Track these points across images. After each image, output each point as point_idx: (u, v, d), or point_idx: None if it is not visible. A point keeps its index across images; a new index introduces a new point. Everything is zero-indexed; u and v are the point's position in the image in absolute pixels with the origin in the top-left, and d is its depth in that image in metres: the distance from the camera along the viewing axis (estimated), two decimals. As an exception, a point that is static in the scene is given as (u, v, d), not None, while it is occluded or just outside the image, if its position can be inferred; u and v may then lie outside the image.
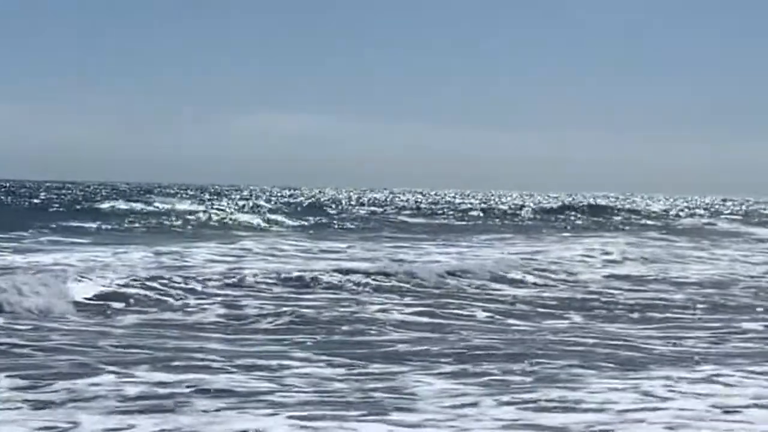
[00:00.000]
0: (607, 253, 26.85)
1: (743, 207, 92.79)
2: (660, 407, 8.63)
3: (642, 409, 8.52)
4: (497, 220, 56.51)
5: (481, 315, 15.25)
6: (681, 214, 71.36)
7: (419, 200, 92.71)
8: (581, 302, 17.15)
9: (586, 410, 8.51)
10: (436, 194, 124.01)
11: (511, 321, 14.70)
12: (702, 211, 77.43)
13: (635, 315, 15.55)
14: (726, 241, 37.26)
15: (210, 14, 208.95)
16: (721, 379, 9.98)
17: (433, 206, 74.84)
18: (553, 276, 20.68)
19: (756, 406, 8.75)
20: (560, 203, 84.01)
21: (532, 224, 51.86)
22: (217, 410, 8.29)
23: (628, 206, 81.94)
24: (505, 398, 8.91)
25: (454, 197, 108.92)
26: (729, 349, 12.18)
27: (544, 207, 74.96)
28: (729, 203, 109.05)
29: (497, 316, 15.14)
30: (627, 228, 49.16)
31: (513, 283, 19.33)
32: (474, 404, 8.71)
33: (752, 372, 10.38)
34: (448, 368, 10.49)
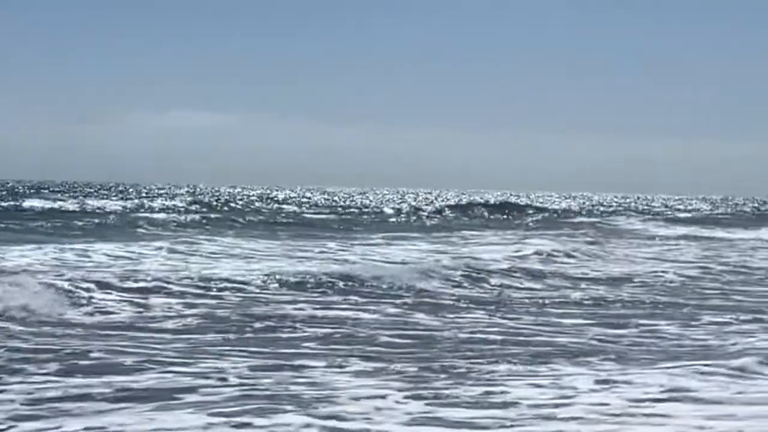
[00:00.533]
0: (517, 251, 27.13)
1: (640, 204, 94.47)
2: (571, 402, 8.74)
3: (553, 405, 8.63)
4: (406, 217, 56.72)
5: (392, 311, 15.30)
6: (584, 212, 72.46)
7: (327, 198, 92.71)
8: (487, 298, 17.33)
9: (495, 405, 8.61)
10: (343, 192, 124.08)
11: (420, 316, 14.76)
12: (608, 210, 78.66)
13: (541, 310, 15.75)
14: (632, 239, 37.92)
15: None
16: (629, 373, 10.13)
17: (335, 203, 74.83)
18: (459, 272, 20.79)
19: (669, 399, 8.89)
20: (464, 201, 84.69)
21: (437, 223, 52.19)
22: (137, 412, 8.21)
23: (537, 204, 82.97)
24: (416, 393, 8.99)
25: (365, 195, 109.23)
26: (636, 344, 12.39)
27: (449, 204, 75.41)
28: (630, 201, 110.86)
29: (407, 312, 15.21)
30: (535, 225, 49.76)
31: (422, 279, 19.39)
32: (386, 398, 8.78)
33: (660, 366, 10.59)
34: (361, 364, 10.55)
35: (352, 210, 66.02)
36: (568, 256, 26.39)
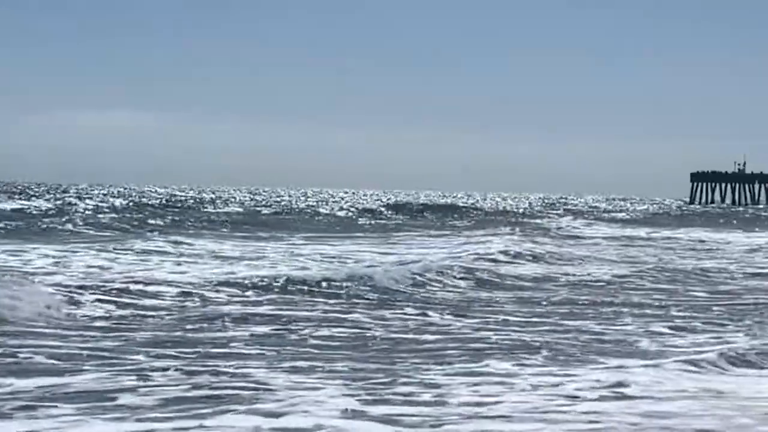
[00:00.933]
0: (453, 251, 27.31)
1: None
2: (500, 401, 8.85)
3: (481, 403, 8.74)
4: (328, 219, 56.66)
5: (328, 309, 15.36)
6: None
7: (253, 198, 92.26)
8: (423, 297, 17.48)
9: (425, 403, 8.72)
10: (264, 192, 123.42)
11: (356, 315, 14.84)
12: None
13: (476, 309, 15.89)
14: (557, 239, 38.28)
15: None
16: (561, 372, 10.29)
17: (261, 203, 74.52)
18: (396, 272, 20.81)
19: (601, 398, 9.05)
20: (402, 201, 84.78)
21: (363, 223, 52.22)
22: (66, 414, 8.12)
23: (476, 205, 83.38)
24: (350, 391, 9.08)
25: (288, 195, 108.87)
26: (566, 343, 12.55)
27: (385, 204, 75.39)
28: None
29: (344, 311, 15.27)
30: (472, 225, 49.97)
31: (358, 278, 19.38)
32: (320, 395, 8.84)
33: (592, 364, 10.78)
34: (297, 362, 10.60)
35: (290, 210, 65.86)
36: (506, 254, 26.57)
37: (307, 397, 8.74)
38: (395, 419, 8.12)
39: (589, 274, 22.55)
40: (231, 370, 10.11)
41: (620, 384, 9.53)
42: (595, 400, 8.96)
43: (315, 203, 79.70)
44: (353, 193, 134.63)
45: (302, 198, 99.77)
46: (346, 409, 8.31)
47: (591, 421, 8.16)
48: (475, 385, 9.50)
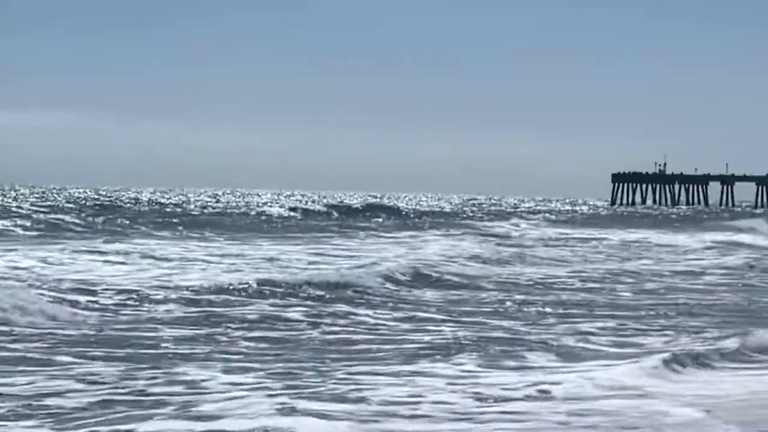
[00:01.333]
0: (381, 252, 27.40)
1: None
2: (421, 400, 8.99)
3: (404, 402, 8.89)
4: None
5: (263, 309, 15.40)
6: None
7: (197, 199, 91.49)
8: (354, 297, 17.53)
9: (353, 400, 8.88)
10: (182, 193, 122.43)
11: (292, 315, 14.94)
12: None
13: (409, 310, 16.04)
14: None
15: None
16: (487, 372, 10.47)
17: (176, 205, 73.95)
18: (327, 275, 20.85)
19: (525, 398, 9.22)
20: (330, 202, 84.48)
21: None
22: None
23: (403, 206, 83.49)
24: (283, 390, 9.21)
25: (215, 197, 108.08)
26: (496, 342, 12.73)
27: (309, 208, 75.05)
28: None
29: (277, 311, 15.34)
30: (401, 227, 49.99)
31: (288, 281, 19.38)
32: (253, 394, 8.97)
33: (518, 365, 10.97)
34: (231, 363, 10.71)
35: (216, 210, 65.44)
36: (441, 255, 26.61)
37: (241, 399, 8.82)
38: (323, 414, 8.24)
39: (519, 275, 22.77)
40: (163, 371, 10.13)
41: (546, 384, 9.69)
42: (520, 399, 9.12)
43: (246, 204, 79.09)
44: (284, 194, 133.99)
45: (241, 200, 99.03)
46: (281, 409, 8.40)
47: (516, 421, 8.33)
48: (402, 384, 9.63)
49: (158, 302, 15.91)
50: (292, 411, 8.30)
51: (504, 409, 8.71)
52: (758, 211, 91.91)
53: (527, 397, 9.19)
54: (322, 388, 9.35)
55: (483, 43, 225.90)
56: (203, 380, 9.69)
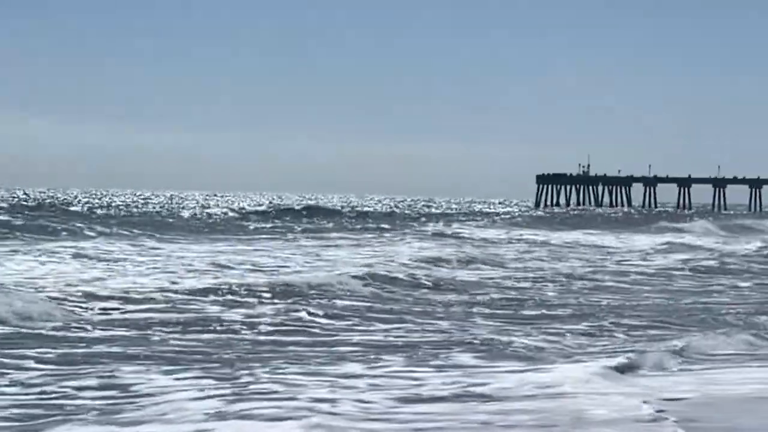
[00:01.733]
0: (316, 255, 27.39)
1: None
2: (342, 399, 9.08)
3: (330, 400, 8.99)
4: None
5: (195, 313, 15.33)
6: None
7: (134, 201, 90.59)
8: (288, 298, 17.49)
9: (279, 399, 8.95)
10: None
11: (228, 316, 14.97)
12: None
13: (344, 311, 16.13)
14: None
15: None
16: (412, 369, 10.62)
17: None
18: (254, 276, 20.86)
19: (451, 397, 9.32)
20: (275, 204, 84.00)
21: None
22: None
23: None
24: (213, 391, 9.26)
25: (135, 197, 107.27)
26: (424, 342, 12.87)
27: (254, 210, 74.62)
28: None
29: (211, 315, 15.30)
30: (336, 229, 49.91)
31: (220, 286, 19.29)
32: (180, 397, 9.00)
33: (443, 361, 11.14)
34: (161, 365, 10.68)
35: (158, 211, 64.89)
36: (375, 257, 26.73)
37: (170, 402, 8.83)
38: (251, 414, 8.30)
39: (453, 277, 22.80)
40: (91, 374, 10.06)
41: (471, 384, 9.82)
42: (443, 400, 9.21)
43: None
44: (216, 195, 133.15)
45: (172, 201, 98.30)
46: (210, 413, 8.43)
47: (434, 421, 8.40)
48: (328, 385, 9.70)
49: (89, 303, 15.78)
50: (219, 415, 8.32)
51: (424, 410, 8.75)
52: (687, 212, 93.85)
53: (451, 398, 9.27)
54: (251, 389, 9.37)
55: (404, 44, 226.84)
56: (131, 384, 9.67)
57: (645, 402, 9.11)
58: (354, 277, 20.92)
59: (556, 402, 9.13)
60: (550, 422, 8.36)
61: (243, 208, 72.96)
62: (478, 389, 9.60)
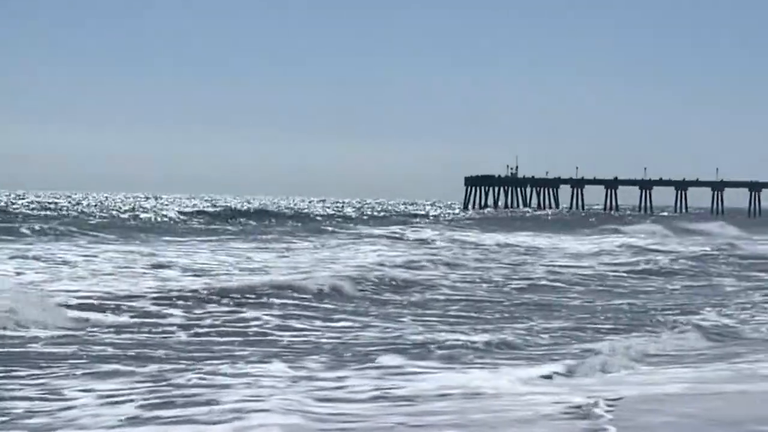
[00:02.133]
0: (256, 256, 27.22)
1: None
2: (266, 398, 9.12)
3: (255, 397, 9.06)
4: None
5: (130, 314, 15.26)
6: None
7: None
8: (231, 300, 17.51)
9: (201, 404, 8.94)
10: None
11: (164, 319, 14.91)
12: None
13: (283, 310, 16.11)
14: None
15: None
16: (333, 371, 10.73)
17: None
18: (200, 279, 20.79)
19: (370, 399, 9.39)
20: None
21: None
22: None
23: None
24: (136, 396, 9.24)
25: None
26: (353, 343, 12.99)
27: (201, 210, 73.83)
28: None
29: (154, 313, 15.35)
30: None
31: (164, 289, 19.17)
32: (102, 402, 8.97)
33: (365, 362, 11.22)
34: (93, 368, 10.68)
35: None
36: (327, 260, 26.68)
37: (90, 407, 8.78)
38: (182, 420, 8.30)
39: (394, 277, 22.86)
40: (15, 377, 9.97)
41: (390, 386, 9.90)
42: (364, 401, 9.29)
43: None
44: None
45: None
46: (130, 418, 8.39)
47: (350, 422, 8.46)
48: (254, 385, 9.76)
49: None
50: (138, 420, 8.29)
51: (340, 411, 8.80)
52: (615, 213, 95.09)
53: (368, 399, 9.33)
54: (174, 393, 9.35)
55: (323, 44, 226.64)
56: (55, 388, 9.57)
57: (573, 401, 9.12)
58: (306, 278, 21.04)
59: (475, 403, 9.16)
60: (465, 422, 8.36)
61: (202, 210, 72.05)
62: (397, 391, 9.64)
